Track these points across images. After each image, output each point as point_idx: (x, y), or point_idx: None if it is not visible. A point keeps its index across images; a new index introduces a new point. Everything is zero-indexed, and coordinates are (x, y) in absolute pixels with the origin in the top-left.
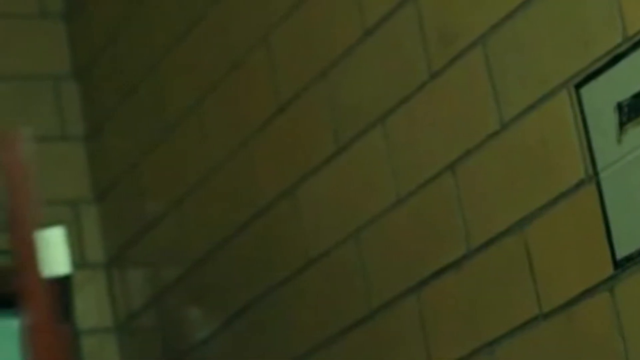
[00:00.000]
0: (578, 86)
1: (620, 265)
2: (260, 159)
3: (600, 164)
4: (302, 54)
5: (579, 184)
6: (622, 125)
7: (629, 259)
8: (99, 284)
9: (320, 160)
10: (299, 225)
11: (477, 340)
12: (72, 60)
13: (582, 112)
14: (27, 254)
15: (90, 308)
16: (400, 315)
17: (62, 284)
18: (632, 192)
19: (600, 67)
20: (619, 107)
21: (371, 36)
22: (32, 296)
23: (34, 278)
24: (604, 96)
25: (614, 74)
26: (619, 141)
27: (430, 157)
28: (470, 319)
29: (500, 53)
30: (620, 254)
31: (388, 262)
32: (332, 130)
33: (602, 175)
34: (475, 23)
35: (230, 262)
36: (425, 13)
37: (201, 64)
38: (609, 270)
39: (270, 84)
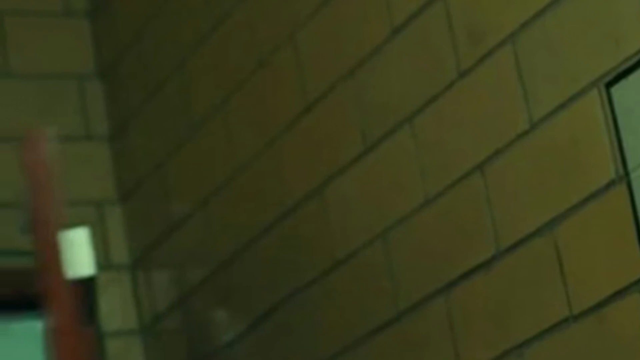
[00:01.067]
0: (609, 85)
1: None
2: (287, 159)
3: (631, 164)
4: (330, 52)
5: (610, 184)
6: None
7: None
8: (124, 285)
9: (347, 160)
10: (327, 225)
11: (507, 342)
12: (97, 59)
13: (612, 111)
14: (51, 255)
15: (115, 310)
16: (428, 316)
17: (87, 285)
18: None
19: (631, 66)
20: None
21: (399, 34)
22: (56, 298)
23: (58, 279)
24: (635, 95)
25: None
26: None
27: (458, 157)
28: (499, 321)
29: (529, 52)
30: None
31: (416, 263)
32: (360, 130)
33: (633, 176)
34: (504, 21)
35: (257, 264)
36: (454, 11)
37: (227, 62)
38: None
39: (297, 83)
